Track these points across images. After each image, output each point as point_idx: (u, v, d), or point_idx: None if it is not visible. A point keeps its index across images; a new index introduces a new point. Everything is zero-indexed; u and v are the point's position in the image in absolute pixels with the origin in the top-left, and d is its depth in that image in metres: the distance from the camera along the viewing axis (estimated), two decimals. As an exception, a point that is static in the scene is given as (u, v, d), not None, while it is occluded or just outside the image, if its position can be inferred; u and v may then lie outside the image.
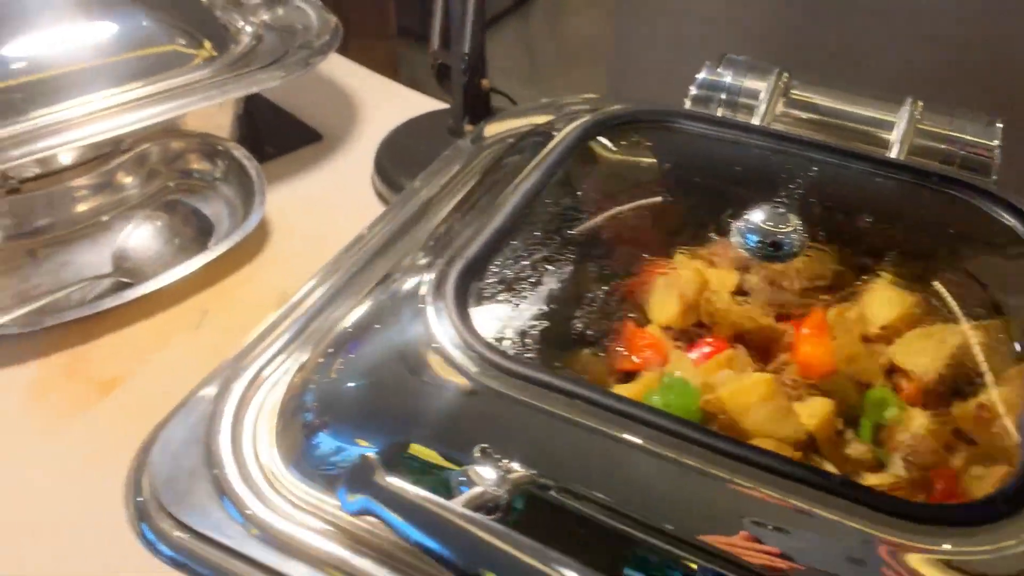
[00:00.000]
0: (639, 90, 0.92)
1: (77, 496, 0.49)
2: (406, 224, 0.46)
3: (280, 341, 0.41)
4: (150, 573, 0.43)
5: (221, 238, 0.64)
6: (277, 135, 0.77)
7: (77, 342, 0.58)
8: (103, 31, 0.65)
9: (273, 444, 0.36)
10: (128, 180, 0.66)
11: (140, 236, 0.64)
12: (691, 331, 0.43)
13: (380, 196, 0.72)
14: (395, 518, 0.26)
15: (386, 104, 0.84)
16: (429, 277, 0.36)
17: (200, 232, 0.65)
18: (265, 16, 0.74)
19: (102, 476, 0.50)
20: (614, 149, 0.45)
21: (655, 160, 0.45)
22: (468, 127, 0.69)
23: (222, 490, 0.35)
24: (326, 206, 0.71)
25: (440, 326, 0.34)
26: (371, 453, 0.30)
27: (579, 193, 0.43)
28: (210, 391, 0.39)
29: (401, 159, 0.72)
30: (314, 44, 0.69)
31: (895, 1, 0.72)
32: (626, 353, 0.41)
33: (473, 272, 0.36)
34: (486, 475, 0.30)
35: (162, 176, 0.67)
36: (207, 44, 0.68)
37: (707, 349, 0.42)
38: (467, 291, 0.35)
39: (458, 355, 0.32)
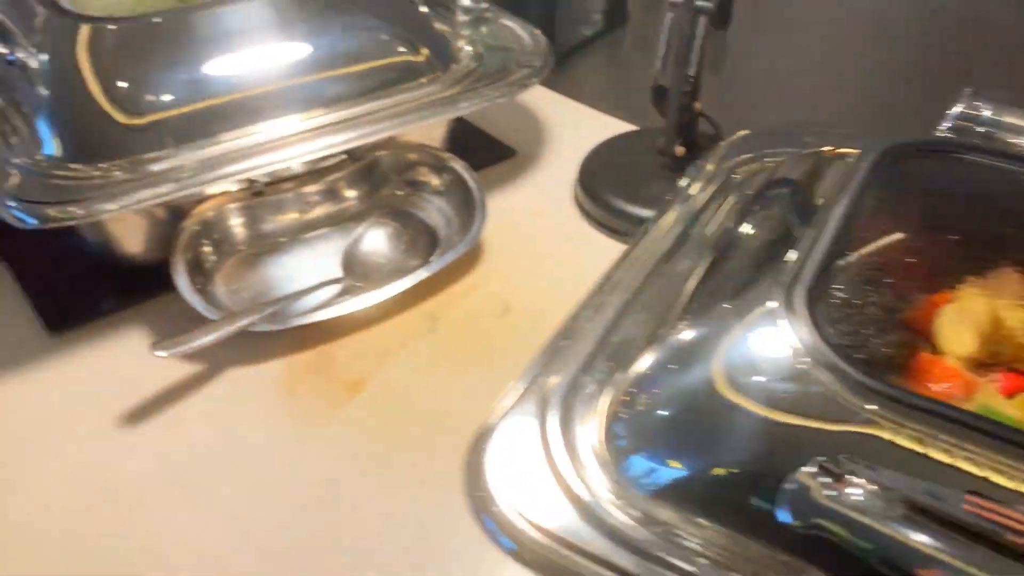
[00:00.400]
0: (749, 112, 0.93)
1: (343, 494, 0.51)
2: (653, 274, 0.47)
3: (571, 366, 0.43)
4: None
5: (444, 247, 0.67)
6: (475, 150, 0.79)
7: (319, 343, 0.61)
8: (337, 42, 0.68)
9: (603, 447, 0.38)
10: (356, 188, 0.69)
11: (370, 242, 0.66)
12: (981, 362, 0.44)
13: (583, 210, 0.74)
14: (845, 532, 0.28)
15: (571, 122, 0.86)
16: (773, 305, 0.37)
17: (426, 241, 0.67)
18: (471, 31, 0.76)
19: (373, 472, 0.53)
20: (907, 179, 0.46)
21: (951, 190, 0.46)
22: (679, 149, 0.71)
23: (564, 488, 0.36)
24: (531, 219, 0.73)
25: (804, 348, 0.35)
26: (807, 472, 0.32)
27: (874, 223, 0.44)
28: (526, 400, 0.41)
29: (605, 175, 0.74)
30: (534, 63, 0.71)
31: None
32: (924, 383, 0.42)
33: (816, 296, 0.37)
34: (864, 493, 0.31)
35: (390, 185, 0.70)
36: (424, 51, 0.70)
37: (1003, 382, 0.42)
38: (817, 315, 0.36)
39: (826, 377, 0.34)
